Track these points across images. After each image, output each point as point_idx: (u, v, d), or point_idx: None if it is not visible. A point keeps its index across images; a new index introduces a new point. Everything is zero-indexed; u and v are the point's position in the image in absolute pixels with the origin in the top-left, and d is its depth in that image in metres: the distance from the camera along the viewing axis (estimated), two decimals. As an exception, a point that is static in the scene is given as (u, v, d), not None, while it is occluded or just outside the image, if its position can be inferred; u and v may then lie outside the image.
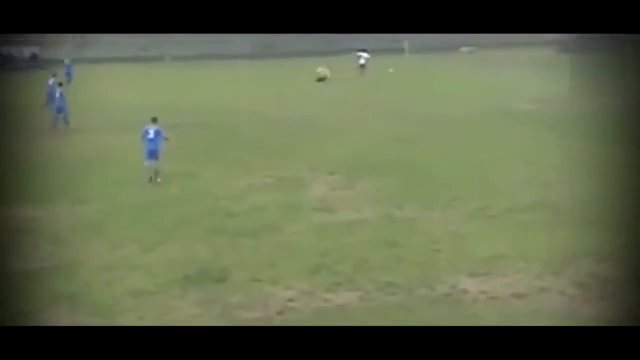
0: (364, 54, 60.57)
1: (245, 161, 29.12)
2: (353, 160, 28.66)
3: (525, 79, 52.49)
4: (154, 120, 26.79)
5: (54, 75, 44.68)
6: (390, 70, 50.21)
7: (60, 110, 38.14)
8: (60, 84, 40.38)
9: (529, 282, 16.11)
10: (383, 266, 17.28)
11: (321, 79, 55.92)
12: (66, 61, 63.18)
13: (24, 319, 14.55)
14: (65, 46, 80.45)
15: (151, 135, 26.36)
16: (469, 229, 20.09)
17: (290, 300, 15.43)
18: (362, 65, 59.53)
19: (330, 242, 19.22)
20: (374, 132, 34.53)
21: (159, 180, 26.17)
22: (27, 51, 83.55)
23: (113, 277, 17.00)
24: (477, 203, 22.43)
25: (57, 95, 38.34)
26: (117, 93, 52.96)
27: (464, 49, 68.99)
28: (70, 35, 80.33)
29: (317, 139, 33.39)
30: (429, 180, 25.40)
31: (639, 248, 18.10)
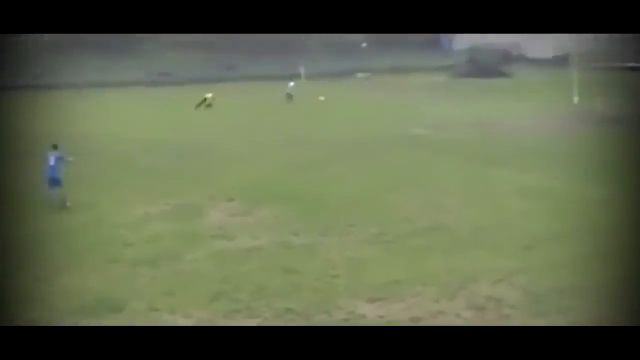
0: (291, 83, 59.56)
1: (141, 189, 28.84)
2: (251, 187, 28.65)
3: (420, 104, 53.25)
4: (55, 147, 26.39)
5: None
6: (321, 98, 50.21)
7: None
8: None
9: (426, 306, 16.32)
10: (281, 293, 17.29)
11: (205, 104, 55.52)
12: None
13: None
14: None
15: (52, 162, 25.97)
16: (366, 254, 20.25)
17: (189, 329, 15.31)
18: (289, 95, 58.30)
19: (228, 269, 19.17)
20: (272, 159, 34.60)
21: (68, 204, 25.75)
22: None
23: (8, 310, 16.62)
24: (374, 228, 22.63)
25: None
26: (6, 121, 51.91)
27: (360, 74, 69.68)
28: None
29: (214, 166, 33.30)
30: (325, 207, 25.53)
31: (533, 270, 18.52)
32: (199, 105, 55.95)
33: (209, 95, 56.70)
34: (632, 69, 50.60)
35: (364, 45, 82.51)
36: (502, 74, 72.02)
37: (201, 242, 21.75)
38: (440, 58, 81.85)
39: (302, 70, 70.46)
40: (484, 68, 73.16)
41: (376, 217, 23.97)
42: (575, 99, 48.90)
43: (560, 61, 73.97)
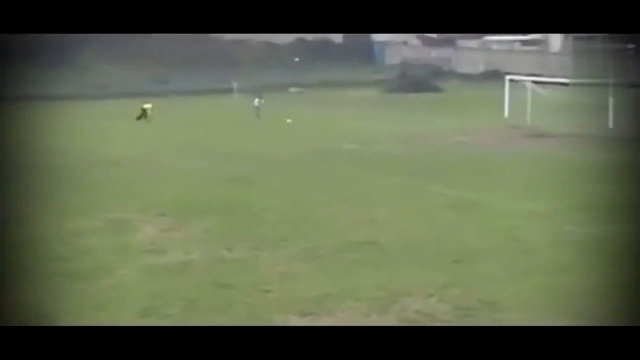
0: (256, 100, 57.70)
1: (73, 203, 28.53)
2: (183, 201, 28.54)
3: (353, 118, 53.52)
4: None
5: None
6: (288, 120, 50.04)
7: None
8: None
9: (358, 320, 16.43)
10: (213, 308, 17.28)
11: (145, 115, 55.01)
12: None
13: None
14: None
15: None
16: (299, 269, 20.32)
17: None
18: (257, 112, 56.72)
19: (159, 284, 19.09)
20: (205, 173, 34.49)
21: None
22: None
23: None
24: (306, 243, 22.71)
25: None
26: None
27: (293, 89, 69.87)
28: None
29: (147, 180, 33.08)
30: (258, 221, 25.54)
31: (463, 284, 18.75)
32: (140, 117, 55.46)
33: (147, 105, 56.26)
34: (562, 84, 51.40)
35: (296, 59, 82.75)
36: (434, 89, 72.71)
37: (132, 256, 21.62)
38: (372, 72, 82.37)
39: (234, 84, 70.34)
40: (415, 83, 73.77)
41: (309, 232, 24.05)
42: (506, 114, 49.54)
43: (491, 76, 74.94)
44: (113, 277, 19.74)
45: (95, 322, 16.27)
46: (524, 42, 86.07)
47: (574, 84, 51.48)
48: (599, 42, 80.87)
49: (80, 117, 57.72)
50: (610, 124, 43.75)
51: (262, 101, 57.76)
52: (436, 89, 72.95)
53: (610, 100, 44.79)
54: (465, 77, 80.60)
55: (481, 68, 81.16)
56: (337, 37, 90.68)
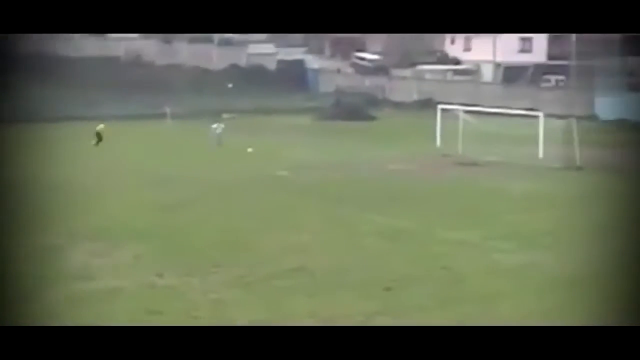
0: (215, 125, 55.68)
1: (8, 228, 28.17)
2: (115, 227, 28.39)
3: (285, 146, 53.60)
4: None
5: None
6: (249, 150, 49.69)
7: None
8: None
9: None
10: (143, 335, 17.23)
11: (99, 140, 54.53)
12: None
13: None
14: None
15: None
16: (230, 295, 20.38)
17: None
18: (218, 139, 54.35)
19: (89, 310, 18.99)
20: (137, 198, 34.33)
21: None
22: None
23: None
24: (237, 270, 22.78)
25: None
26: None
27: (226, 115, 69.69)
28: None
29: (77, 205, 32.80)
30: (190, 247, 25.54)
31: (393, 311, 18.99)
32: (97, 142, 54.93)
33: (100, 126, 55.82)
34: (493, 113, 52.09)
35: (229, 85, 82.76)
36: (367, 117, 73.04)
37: (62, 283, 21.46)
38: (306, 100, 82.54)
39: (167, 110, 70.03)
40: (349, 111, 73.98)
41: (240, 259, 24.13)
42: (438, 143, 50.07)
43: (424, 105, 75.68)
44: (40, 305, 19.58)
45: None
46: (456, 72, 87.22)
47: (505, 114, 52.20)
48: (529, 72, 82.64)
49: (9, 142, 57.07)
50: (540, 154, 44.45)
51: (222, 126, 55.57)
52: (370, 117, 73.37)
53: (541, 130, 45.48)
54: (399, 105, 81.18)
55: (414, 97, 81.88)
56: (271, 63, 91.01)
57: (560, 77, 78.79)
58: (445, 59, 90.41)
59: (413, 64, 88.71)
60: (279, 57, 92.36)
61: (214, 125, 55.76)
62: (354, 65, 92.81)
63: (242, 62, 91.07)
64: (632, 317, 17.45)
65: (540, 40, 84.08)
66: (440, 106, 53.46)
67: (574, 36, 69.58)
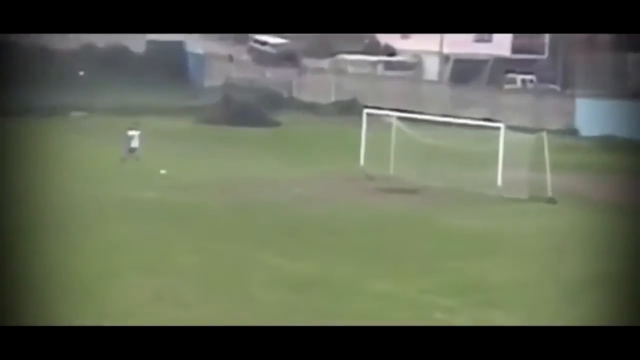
0: (131, 132, 52.95)
1: None
2: None
3: (154, 155, 52.74)
4: None
5: None
6: (163, 171, 48.56)
7: None
8: None
9: None
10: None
11: None
12: None
13: None
14: None
15: None
16: None
17: None
18: (133, 149, 51.95)
19: None
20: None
21: None
22: None
23: None
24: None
25: None
26: None
27: (75, 113, 69.01)
28: None
29: None
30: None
31: None
32: None
33: None
34: (437, 122, 52.52)
35: (81, 73, 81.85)
36: (267, 122, 72.67)
37: None
38: (185, 97, 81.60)
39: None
40: (242, 112, 73.18)
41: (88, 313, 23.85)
42: (361, 160, 50.04)
43: (345, 108, 75.55)
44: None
45: None
46: (389, 65, 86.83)
47: (453, 124, 52.53)
48: (487, 69, 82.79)
49: None
50: (499, 180, 44.32)
51: (139, 132, 52.62)
52: (270, 123, 73.09)
53: (500, 148, 44.95)
54: (311, 107, 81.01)
55: (332, 97, 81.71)
56: (138, 45, 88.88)
57: (529, 77, 79.69)
58: (375, 48, 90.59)
59: (332, 53, 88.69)
60: (149, 36, 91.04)
61: (130, 133, 52.90)
62: (251, 50, 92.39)
63: (99, 41, 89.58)
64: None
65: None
66: (366, 110, 53.57)
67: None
